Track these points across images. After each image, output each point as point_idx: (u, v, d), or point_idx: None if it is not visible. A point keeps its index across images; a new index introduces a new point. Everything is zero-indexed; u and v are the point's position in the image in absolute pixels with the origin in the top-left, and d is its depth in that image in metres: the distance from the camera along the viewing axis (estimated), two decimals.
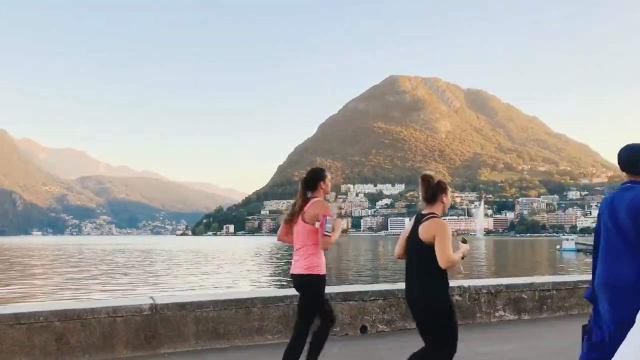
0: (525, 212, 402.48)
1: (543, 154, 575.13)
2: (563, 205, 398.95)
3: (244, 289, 23.37)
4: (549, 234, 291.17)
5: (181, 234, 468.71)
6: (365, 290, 5.77)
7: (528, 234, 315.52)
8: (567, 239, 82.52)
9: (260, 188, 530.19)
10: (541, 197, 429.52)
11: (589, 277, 7.61)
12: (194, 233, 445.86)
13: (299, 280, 4.03)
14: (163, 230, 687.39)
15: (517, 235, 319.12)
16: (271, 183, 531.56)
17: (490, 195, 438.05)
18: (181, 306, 5.01)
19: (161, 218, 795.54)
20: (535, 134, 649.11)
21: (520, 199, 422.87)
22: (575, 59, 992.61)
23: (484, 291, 6.33)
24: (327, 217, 3.88)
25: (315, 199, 4.08)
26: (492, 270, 45.59)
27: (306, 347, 4.00)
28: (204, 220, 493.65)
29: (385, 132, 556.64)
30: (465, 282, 6.41)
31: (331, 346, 5.03)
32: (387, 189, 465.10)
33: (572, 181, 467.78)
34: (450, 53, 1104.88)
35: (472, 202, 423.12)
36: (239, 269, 43.02)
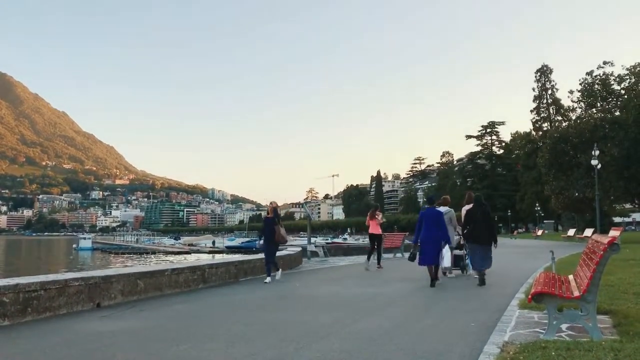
0: (45, 210, 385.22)
1: (70, 151, 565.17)
2: (85, 204, 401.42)
3: None
4: (68, 233, 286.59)
5: None
6: None
7: (46, 233, 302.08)
8: (85, 238, 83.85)
9: None
10: (64, 195, 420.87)
11: (82, 274, 7.56)
12: None
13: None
14: None
15: (34, 234, 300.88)
16: None
17: (7, 191, 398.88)
18: None
19: None
20: (64, 130, 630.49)
21: (41, 196, 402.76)
22: (114, 51, 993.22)
23: None
24: None
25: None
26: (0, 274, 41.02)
27: None
28: None
29: None
30: None
31: None
32: None
33: (96, 181, 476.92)
34: None
35: None
36: None
